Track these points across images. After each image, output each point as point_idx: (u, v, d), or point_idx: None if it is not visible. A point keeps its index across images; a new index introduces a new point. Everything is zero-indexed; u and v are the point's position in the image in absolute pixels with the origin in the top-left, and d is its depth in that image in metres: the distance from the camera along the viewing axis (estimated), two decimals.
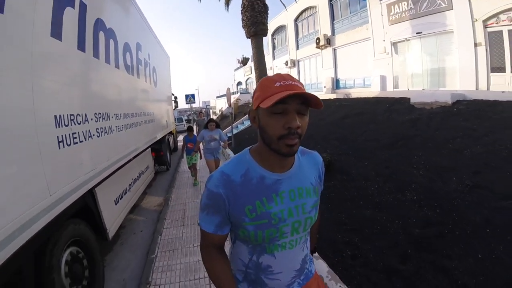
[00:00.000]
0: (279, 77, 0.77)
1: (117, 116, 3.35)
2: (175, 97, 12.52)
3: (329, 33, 15.48)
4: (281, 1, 13.32)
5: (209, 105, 30.74)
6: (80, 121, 2.33)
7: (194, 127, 12.04)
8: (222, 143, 5.15)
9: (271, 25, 22.23)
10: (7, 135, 1.48)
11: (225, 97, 13.51)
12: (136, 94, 4.62)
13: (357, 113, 7.99)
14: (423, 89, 10.89)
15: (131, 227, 4.07)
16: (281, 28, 21.21)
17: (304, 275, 0.97)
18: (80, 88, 2.50)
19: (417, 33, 11.07)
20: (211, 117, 24.51)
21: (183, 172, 7.24)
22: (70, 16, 2.26)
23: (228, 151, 7.48)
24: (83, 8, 2.51)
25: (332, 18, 15.57)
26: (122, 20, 3.95)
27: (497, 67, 8.93)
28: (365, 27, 13.36)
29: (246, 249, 0.90)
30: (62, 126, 2.01)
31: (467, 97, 7.04)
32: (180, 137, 14.47)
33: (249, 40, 13.58)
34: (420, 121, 5.86)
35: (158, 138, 6.28)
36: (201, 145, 5.38)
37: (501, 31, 8.67)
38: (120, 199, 3.32)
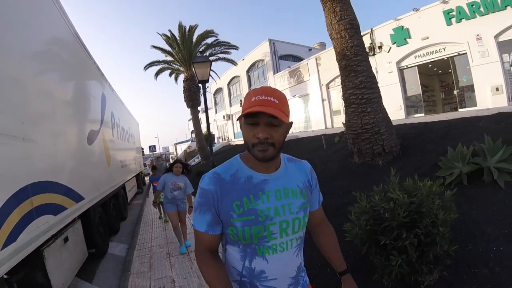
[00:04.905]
0: (258, 92, 0.86)
1: (131, 160, 8.92)
2: (142, 149, 17.92)
3: None
4: (212, 77, 20.03)
5: (168, 151, 34.22)
6: (121, 161, 7.89)
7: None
8: (186, 197, 4.32)
9: (212, 88, 29.07)
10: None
11: (179, 145, 19.26)
12: (130, 150, 10.12)
13: None
14: (299, 131, 17.43)
15: (132, 207, 9.30)
16: (219, 90, 27.92)
17: (301, 286, 0.98)
18: (122, 153, 8.05)
19: (293, 96, 17.65)
20: (170, 162, 26.43)
21: (150, 193, 12.48)
22: (120, 133, 8.01)
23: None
24: (122, 128, 8.22)
25: (250, 84, 22.61)
26: (126, 120, 9.63)
27: (336, 110, 15.09)
28: None
29: (238, 252, 0.93)
30: (122, 163, 7.65)
31: (299, 136, 13.50)
32: (147, 178, 19.51)
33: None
34: None
35: (137, 173, 11.68)
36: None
37: (336, 89, 14.60)
38: (129, 191, 8.77)
